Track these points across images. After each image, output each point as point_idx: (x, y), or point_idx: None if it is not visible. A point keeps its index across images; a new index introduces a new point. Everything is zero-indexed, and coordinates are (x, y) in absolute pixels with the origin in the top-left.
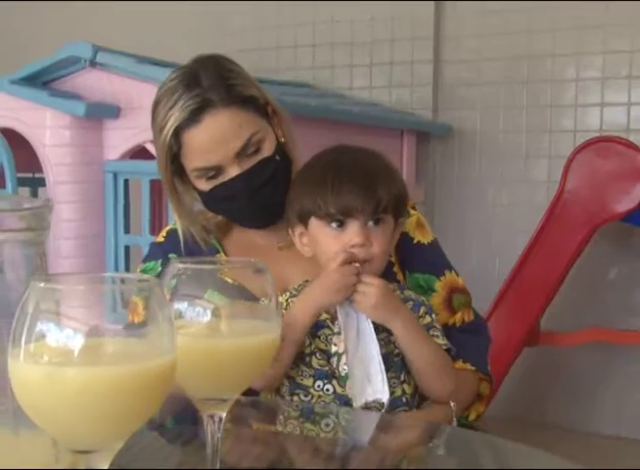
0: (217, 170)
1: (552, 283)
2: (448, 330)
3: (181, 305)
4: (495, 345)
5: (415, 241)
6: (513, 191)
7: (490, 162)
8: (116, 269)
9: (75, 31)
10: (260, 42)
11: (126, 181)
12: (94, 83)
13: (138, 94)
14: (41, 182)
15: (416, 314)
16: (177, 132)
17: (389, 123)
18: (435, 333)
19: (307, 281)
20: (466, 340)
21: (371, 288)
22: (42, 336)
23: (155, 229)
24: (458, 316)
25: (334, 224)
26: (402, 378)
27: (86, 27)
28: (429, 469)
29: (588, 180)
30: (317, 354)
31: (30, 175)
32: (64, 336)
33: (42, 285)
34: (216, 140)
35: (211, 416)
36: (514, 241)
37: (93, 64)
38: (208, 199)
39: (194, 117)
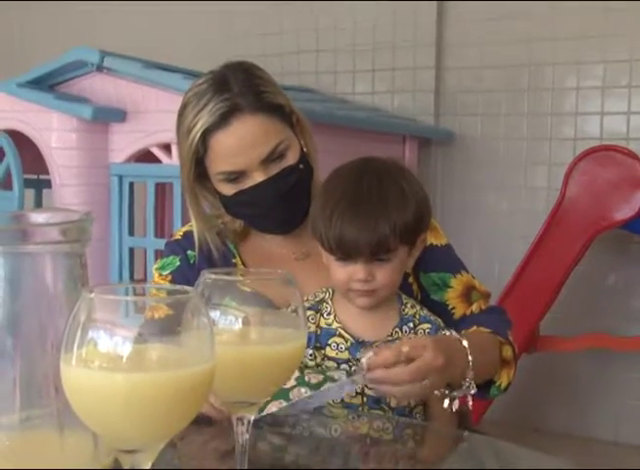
0: (242, 175)
1: (552, 289)
2: (465, 318)
3: (213, 314)
4: None
5: (428, 243)
6: (513, 197)
7: (491, 168)
8: (120, 271)
9: (82, 36)
10: (264, 48)
11: (131, 184)
12: (100, 87)
13: (144, 98)
14: (46, 184)
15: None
16: (205, 135)
17: (393, 129)
18: None
19: (322, 289)
20: (483, 317)
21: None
22: (93, 343)
23: (159, 232)
24: (475, 306)
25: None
26: None
27: (92, 32)
28: (429, 469)
29: (588, 188)
30: (323, 366)
31: (35, 177)
32: (113, 343)
33: (93, 296)
34: (244, 145)
35: (240, 418)
36: (514, 247)
37: (100, 68)
38: (231, 203)
39: (223, 120)
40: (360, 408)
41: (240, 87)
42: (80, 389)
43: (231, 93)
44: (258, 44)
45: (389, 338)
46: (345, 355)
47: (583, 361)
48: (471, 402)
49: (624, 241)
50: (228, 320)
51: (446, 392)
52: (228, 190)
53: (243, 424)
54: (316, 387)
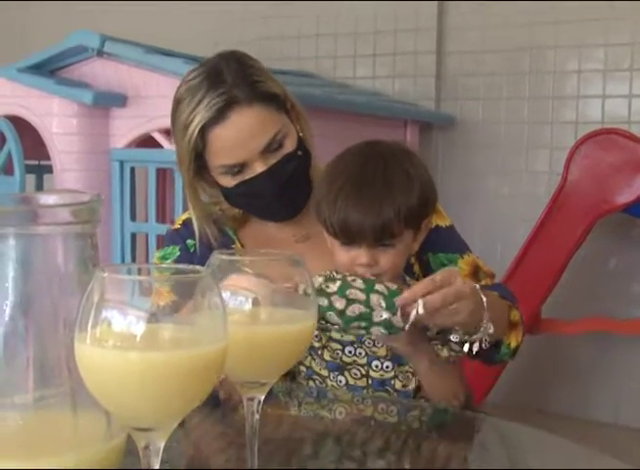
0: (242, 167)
1: (554, 273)
2: None
3: (224, 294)
4: None
5: (434, 225)
6: (514, 182)
7: (492, 152)
8: (123, 256)
9: (83, 21)
10: (265, 32)
11: (133, 169)
12: (101, 72)
13: (145, 83)
14: (47, 169)
15: None
16: (203, 130)
17: (393, 114)
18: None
19: (326, 273)
20: (491, 287)
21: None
22: (107, 322)
23: (160, 217)
24: (482, 283)
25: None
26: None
27: (93, 17)
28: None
29: (590, 172)
30: (329, 348)
31: (36, 162)
32: (127, 322)
33: (106, 275)
34: (243, 137)
35: (251, 399)
36: (515, 231)
37: (100, 53)
38: (232, 194)
39: (220, 114)
40: (365, 391)
41: (234, 79)
42: (95, 368)
43: (226, 86)
44: (259, 28)
45: None
46: (350, 337)
47: (584, 344)
48: (488, 339)
49: (626, 225)
50: (238, 301)
51: (465, 337)
52: (229, 182)
53: (253, 404)
54: (369, 282)
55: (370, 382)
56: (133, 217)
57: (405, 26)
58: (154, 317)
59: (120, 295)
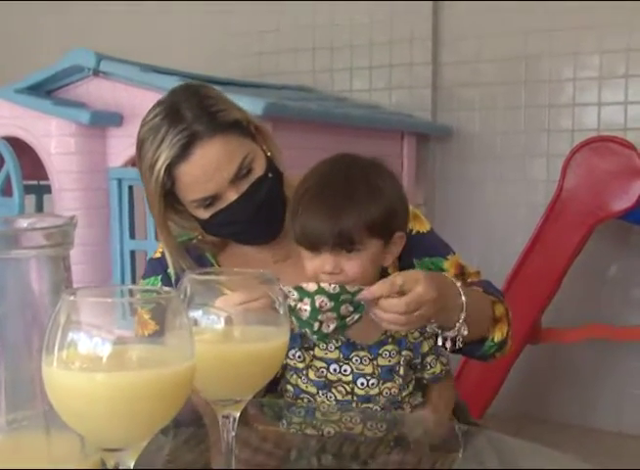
0: (215, 198)
1: (552, 281)
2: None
3: (196, 314)
4: None
5: (414, 232)
6: (512, 190)
7: (489, 162)
8: (123, 274)
9: (78, 40)
10: (261, 46)
11: (131, 187)
12: (97, 92)
13: (141, 102)
14: (46, 189)
15: None
16: (169, 169)
17: (390, 126)
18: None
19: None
20: (475, 283)
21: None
22: (73, 344)
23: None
24: (468, 280)
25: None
26: (405, 386)
27: (90, 36)
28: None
29: (586, 179)
30: (313, 367)
31: (35, 183)
32: (93, 344)
33: (72, 298)
34: (210, 171)
35: (226, 416)
36: (513, 240)
37: (96, 72)
38: (209, 225)
39: (184, 151)
40: (352, 403)
41: (193, 113)
42: (62, 390)
43: (186, 122)
44: (255, 42)
45: (382, 337)
46: (335, 355)
47: (585, 352)
48: (462, 339)
49: (624, 231)
50: (210, 319)
51: (439, 332)
52: (204, 214)
53: (229, 422)
54: (335, 297)
55: (355, 398)
56: (132, 235)
57: (400, 38)
58: (120, 339)
59: (87, 317)
